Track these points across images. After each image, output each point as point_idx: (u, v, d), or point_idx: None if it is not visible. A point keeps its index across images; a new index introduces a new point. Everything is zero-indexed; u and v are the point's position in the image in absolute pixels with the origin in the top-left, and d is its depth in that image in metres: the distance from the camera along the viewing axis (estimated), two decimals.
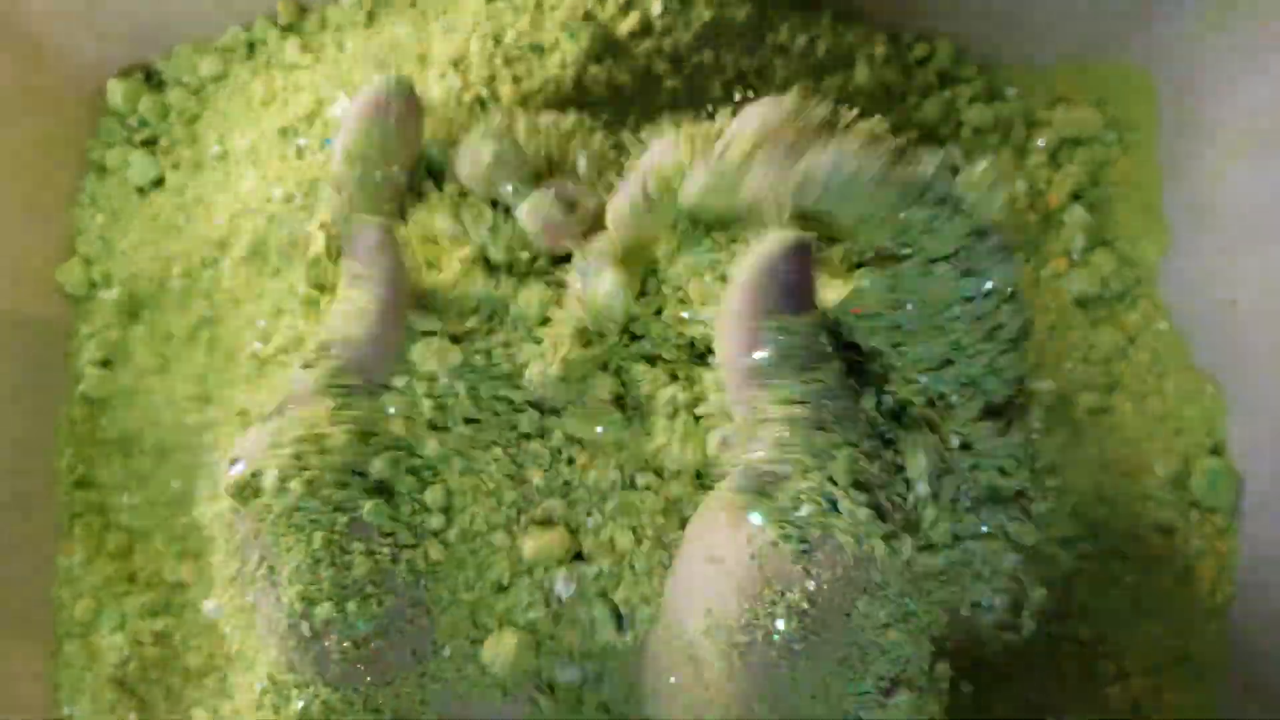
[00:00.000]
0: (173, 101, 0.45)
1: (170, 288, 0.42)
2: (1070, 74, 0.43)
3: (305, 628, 0.24)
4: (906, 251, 0.22)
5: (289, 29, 0.43)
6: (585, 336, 0.27)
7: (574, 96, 0.35)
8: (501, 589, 0.26)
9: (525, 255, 0.28)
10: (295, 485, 0.24)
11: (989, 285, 0.22)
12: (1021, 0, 0.41)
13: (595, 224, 0.27)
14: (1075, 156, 0.42)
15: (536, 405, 0.27)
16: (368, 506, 0.24)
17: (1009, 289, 0.23)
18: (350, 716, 0.25)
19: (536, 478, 0.27)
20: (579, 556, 0.27)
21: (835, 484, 0.22)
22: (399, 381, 0.26)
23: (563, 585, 0.26)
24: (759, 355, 0.22)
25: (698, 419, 0.26)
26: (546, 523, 0.27)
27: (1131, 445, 0.39)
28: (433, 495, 0.26)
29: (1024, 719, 0.35)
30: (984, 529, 0.25)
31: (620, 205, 0.25)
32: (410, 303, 0.26)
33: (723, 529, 0.22)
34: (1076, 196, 0.42)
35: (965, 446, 0.24)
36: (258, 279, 0.41)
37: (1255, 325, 0.37)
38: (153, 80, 0.45)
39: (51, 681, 0.40)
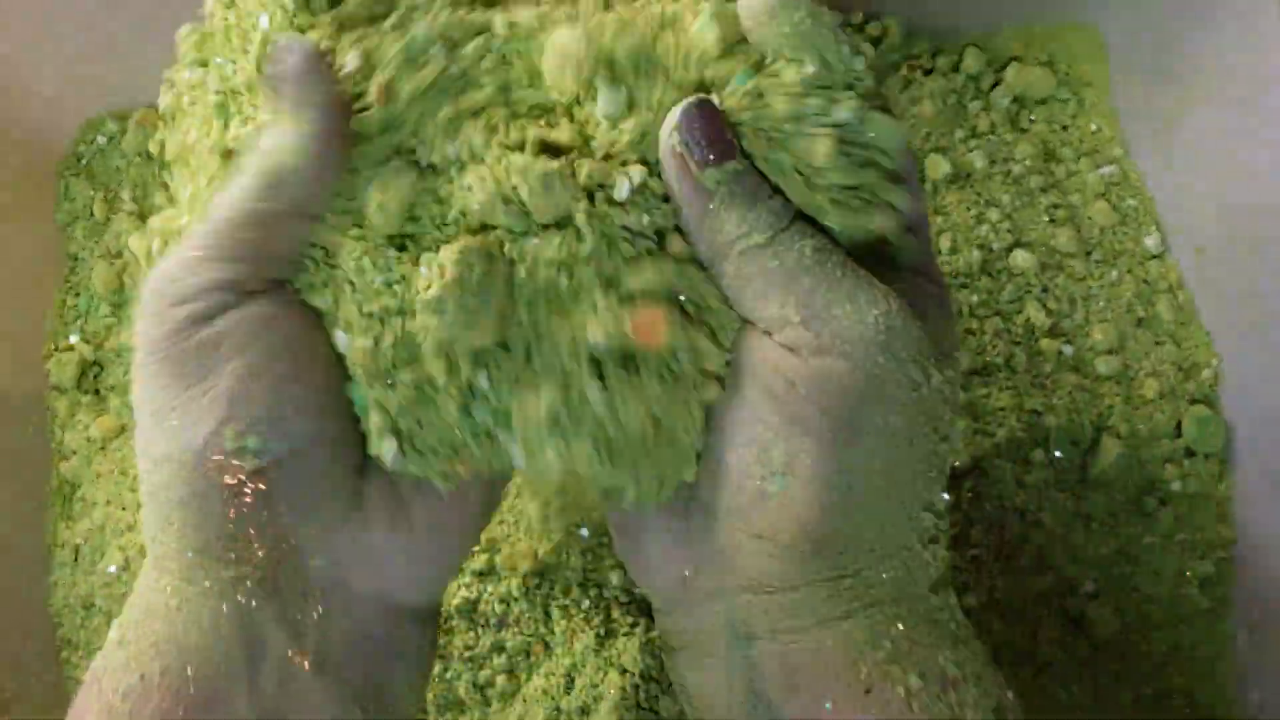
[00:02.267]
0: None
1: None
2: (1020, 37, 0.44)
3: None
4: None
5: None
6: None
7: None
8: None
9: None
10: None
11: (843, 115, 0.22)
12: None
13: None
14: (1036, 115, 0.43)
15: None
16: None
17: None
18: None
19: None
20: None
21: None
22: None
23: None
24: (710, 205, 0.22)
25: None
26: None
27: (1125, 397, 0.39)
28: None
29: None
30: None
31: None
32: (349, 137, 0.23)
33: None
34: (1045, 159, 0.42)
35: None
36: None
37: (1223, 266, 0.37)
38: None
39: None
